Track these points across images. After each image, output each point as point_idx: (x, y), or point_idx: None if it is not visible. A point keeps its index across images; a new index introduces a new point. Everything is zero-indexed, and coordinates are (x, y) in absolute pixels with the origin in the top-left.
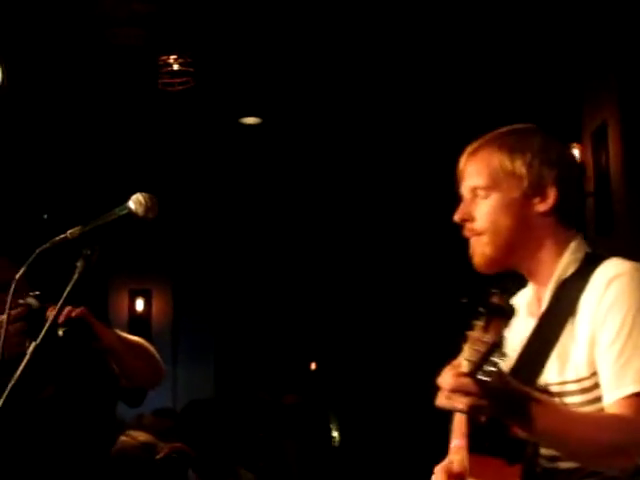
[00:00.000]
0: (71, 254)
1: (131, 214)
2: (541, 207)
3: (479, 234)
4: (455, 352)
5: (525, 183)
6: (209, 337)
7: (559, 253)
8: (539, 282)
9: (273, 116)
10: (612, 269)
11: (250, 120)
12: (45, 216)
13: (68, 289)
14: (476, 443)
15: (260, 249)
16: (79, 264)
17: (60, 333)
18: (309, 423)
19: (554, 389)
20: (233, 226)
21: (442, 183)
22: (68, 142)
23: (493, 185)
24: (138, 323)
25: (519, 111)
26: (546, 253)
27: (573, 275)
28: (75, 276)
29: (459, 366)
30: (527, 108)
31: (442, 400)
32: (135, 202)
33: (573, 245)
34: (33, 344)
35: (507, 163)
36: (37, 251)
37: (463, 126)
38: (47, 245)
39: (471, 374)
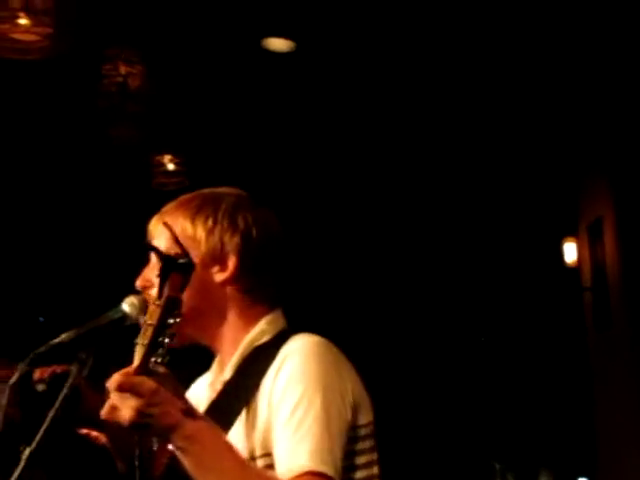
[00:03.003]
0: (67, 357)
1: (125, 317)
2: (219, 277)
3: None
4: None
5: (203, 249)
6: None
7: (244, 328)
8: (223, 356)
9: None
10: (292, 344)
11: None
12: (41, 319)
13: (65, 392)
14: None
15: None
16: (74, 367)
17: (40, 388)
18: None
19: None
20: None
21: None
22: (64, 245)
23: (173, 249)
24: None
25: (517, 204)
26: (229, 327)
27: (265, 344)
28: (70, 379)
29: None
30: (524, 201)
31: (106, 410)
32: (129, 305)
33: (269, 317)
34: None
35: (188, 227)
36: (32, 354)
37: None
38: (42, 348)
39: (142, 364)
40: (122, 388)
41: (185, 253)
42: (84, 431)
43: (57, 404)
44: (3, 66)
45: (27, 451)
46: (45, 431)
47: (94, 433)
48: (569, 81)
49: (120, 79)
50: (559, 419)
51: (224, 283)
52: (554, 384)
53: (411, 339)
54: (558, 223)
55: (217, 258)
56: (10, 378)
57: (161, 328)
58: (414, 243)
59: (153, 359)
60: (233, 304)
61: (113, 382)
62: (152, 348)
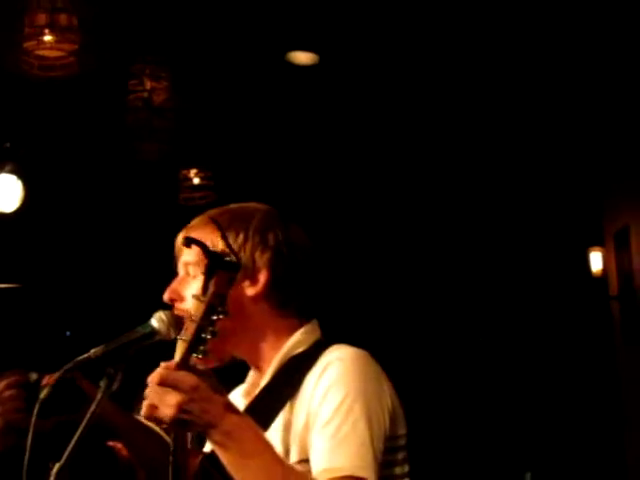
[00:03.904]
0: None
1: (154, 332)
2: (250, 291)
3: None
4: None
5: None
6: None
7: (279, 340)
8: (260, 369)
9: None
10: (334, 353)
11: None
12: (68, 333)
13: (93, 408)
14: None
15: None
16: (102, 383)
17: (42, 395)
18: None
19: None
20: None
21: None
22: (91, 259)
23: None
24: None
25: (542, 213)
26: (264, 341)
27: (302, 354)
28: (99, 395)
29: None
30: (549, 210)
31: (146, 409)
32: (158, 320)
33: (305, 328)
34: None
35: (218, 242)
36: (61, 371)
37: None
38: (70, 365)
39: (184, 360)
40: (164, 383)
41: (232, 251)
42: (111, 443)
43: (85, 420)
44: (30, 83)
45: (56, 467)
46: (73, 447)
47: (119, 445)
48: (595, 88)
49: (146, 94)
50: (587, 433)
51: (256, 298)
52: (582, 397)
53: (443, 345)
54: (583, 232)
55: (248, 274)
56: (21, 383)
57: (204, 324)
58: (437, 253)
59: (194, 355)
60: (266, 318)
61: (155, 376)
62: (194, 344)
